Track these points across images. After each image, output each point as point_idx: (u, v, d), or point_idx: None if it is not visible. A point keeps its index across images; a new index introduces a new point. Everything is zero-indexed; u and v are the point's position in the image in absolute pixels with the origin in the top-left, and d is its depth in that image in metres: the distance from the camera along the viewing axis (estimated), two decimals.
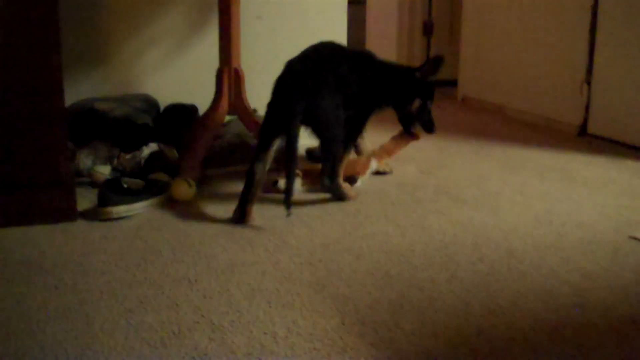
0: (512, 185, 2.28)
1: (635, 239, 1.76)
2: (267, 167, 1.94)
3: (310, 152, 2.61)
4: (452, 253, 1.66)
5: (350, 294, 1.43)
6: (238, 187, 2.20)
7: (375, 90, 2.14)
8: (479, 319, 1.32)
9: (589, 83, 3.10)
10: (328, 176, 2.01)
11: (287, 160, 1.85)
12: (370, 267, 1.57)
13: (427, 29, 5.08)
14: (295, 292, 1.43)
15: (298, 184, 2.11)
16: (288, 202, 1.82)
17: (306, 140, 2.64)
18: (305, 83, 1.95)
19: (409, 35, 5.18)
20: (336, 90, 1.99)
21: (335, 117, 1.99)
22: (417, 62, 5.13)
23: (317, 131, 1.99)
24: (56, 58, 1.79)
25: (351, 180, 2.20)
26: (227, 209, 1.98)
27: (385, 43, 5.52)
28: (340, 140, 2.02)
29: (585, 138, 3.10)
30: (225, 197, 2.11)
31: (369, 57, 2.21)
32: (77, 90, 2.43)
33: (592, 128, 3.11)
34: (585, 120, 3.14)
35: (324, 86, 1.97)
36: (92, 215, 1.91)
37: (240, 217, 1.88)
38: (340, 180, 2.06)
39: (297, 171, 2.05)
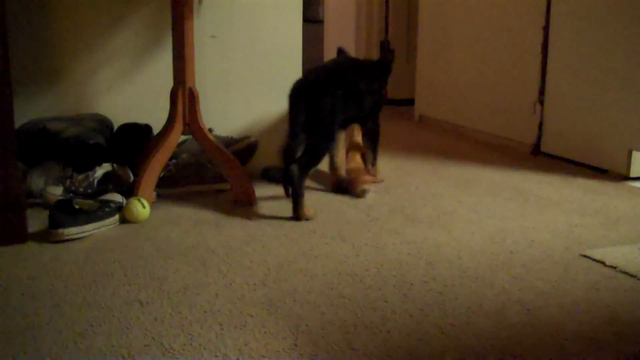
0: (467, 204, 2.30)
1: (586, 257, 1.79)
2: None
3: (266, 170, 2.61)
4: (405, 272, 1.66)
5: (304, 314, 1.42)
6: (192, 207, 2.19)
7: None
8: (432, 339, 1.32)
9: (541, 102, 3.16)
10: (300, 167, 2.11)
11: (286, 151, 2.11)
12: (324, 287, 1.57)
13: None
14: (248, 314, 1.42)
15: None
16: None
17: (264, 159, 2.65)
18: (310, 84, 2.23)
19: (366, 54, 5.22)
20: (342, 96, 2.23)
21: (329, 121, 2.21)
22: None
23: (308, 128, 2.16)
24: (5, 77, 1.76)
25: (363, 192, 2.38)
26: (180, 230, 1.96)
27: None
28: (325, 143, 2.22)
29: (538, 157, 3.14)
30: (179, 218, 2.09)
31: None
32: (29, 110, 2.40)
33: (545, 147, 3.16)
34: (539, 139, 3.19)
35: (327, 89, 2.21)
36: (43, 237, 1.88)
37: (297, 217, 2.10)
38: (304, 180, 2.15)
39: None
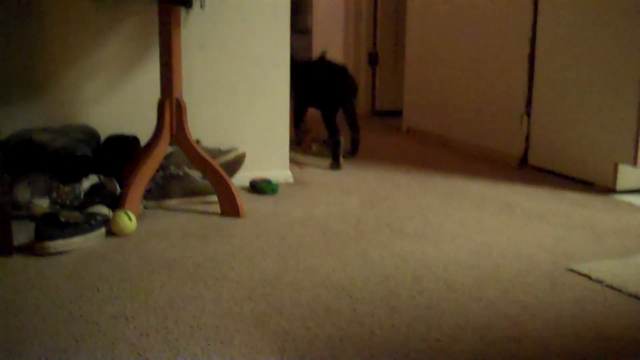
0: (453, 217, 2.30)
1: (572, 271, 1.79)
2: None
3: (254, 182, 2.61)
4: (392, 286, 1.66)
5: (290, 329, 1.42)
6: (179, 220, 2.19)
7: None
8: (418, 354, 1.32)
9: (528, 115, 3.17)
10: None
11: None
12: (311, 301, 1.57)
13: (372, 59, 5.14)
14: (235, 329, 1.42)
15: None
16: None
17: (250, 172, 2.65)
18: None
19: (355, 65, 5.23)
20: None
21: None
22: (363, 92, 5.18)
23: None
24: None
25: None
26: (167, 243, 1.96)
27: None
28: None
29: (525, 169, 3.16)
30: (166, 231, 2.08)
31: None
32: (15, 121, 2.39)
33: (532, 159, 3.17)
34: (526, 151, 3.21)
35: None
36: (29, 250, 1.87)
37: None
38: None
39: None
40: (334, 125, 3.20)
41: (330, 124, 3.20)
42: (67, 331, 1.39)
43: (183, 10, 2.49)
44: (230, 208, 2.26)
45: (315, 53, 5.93)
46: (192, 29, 2.58)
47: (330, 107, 3.25)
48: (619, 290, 1.65)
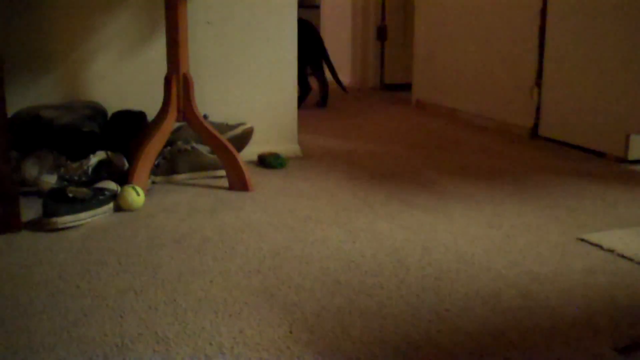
0: (463, 188, 2.29)
1: (583, 240, 1.78)
2: None
3: (262, 157, 2.60)
4: (402, 258, 1.65)
5: (299, 301, 1.41)
6: (187, 195, 2.19)
7: None
8: (427, 324, 1.31)
9: (539, 86, 3.14)
10: None
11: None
12: (320, 273, 1.56)
13: (381, 34, 5.10)
14: (243, 301, 1.41)
15: None
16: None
17: (259, 147, 2.64)
18: None
19: (363, 39, 5.20)
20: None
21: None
22: (372, 66, 5.16)
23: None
24: None
25: None
26: (176, 218, 1.95)
27: (340, 47, 5.54)
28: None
29: (536, 140, 3.13)
30: (174, 205, 2.08)
31: None
32: (22, 98, 2.38)
33: (543, 130, 3.15)
34: (537, 122, 3.18)
35: None
36: (37, 225, 1.87)
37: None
38: None
39: None
40: (304, 79, 4.09)
41: (300, 77, 3.78)
42: (76, 305, 1.39)
43: None
44: (238, 182, 2.25)
45: (324, 28, 5.90)
46: (198, 3, 2.56)
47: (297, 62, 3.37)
48: (630, 259, 1.64)
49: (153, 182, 2.28)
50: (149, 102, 2.43)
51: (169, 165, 2.33)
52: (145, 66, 2.53)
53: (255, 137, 2.61)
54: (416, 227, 1.89)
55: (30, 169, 2.17)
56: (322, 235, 1.82)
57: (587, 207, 2.08)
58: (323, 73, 4.28)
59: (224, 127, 2.48)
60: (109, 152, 2.25)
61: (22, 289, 1.48)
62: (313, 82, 4.29)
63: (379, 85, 5.20)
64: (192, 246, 1.73)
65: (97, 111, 2.39)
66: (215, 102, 2.64)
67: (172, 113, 2.21)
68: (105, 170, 2.21)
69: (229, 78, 2.65)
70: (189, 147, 2.36)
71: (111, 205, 2.00)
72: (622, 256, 1.66)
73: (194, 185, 2.32)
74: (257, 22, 2.64)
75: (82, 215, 1.89)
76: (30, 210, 1.98)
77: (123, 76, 2.52)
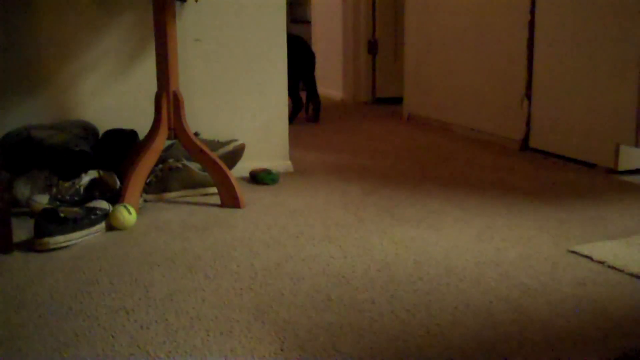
0: (454, 202, 2.29)
1: (573, 252, 1.78)
2: None
3: (253, 173, 2.61)
4: (393, 273, 1.66)
5: (290, 318, 1.42)
6: (179, 212, 2.19)
7: None
8: (418, 340, 1.32)
9: (529, 98, 3.16)
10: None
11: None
12: (311, 290, 1.56)
13: (372, 48, 5.12)
14: (235, 319, 1.42)
15: None
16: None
17: (250, 163, 2.65)
18: None
19: (354, 53, 5.22)
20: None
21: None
22: (363, 80, 5.17)
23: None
24: None
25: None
26: (168, 236, 1.96)
27: (332, 61, 5.56)
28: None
29: (527, 152, 3.14)
30: (166, 224, 2.08)
31: None
32: (13, 118, 2.39)
33: (533, 142, 3.16)
34: (527, 134, 3.19)
35: None
36: (29, 246, 1.87)
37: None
38: None
39: None
40: (297, 94, 4.13)
41: (293, 92, 3.99)
42: (68, 326, 1.39)
43: (178, 3, 2.49)
44: (230, 199, 2.26)
45: (315, 43, 5.92)
46: (187, 21, 2.57)
47: (290, 78, 3.33)
48: (621, 271, 1.65)
49: (145, 201, 2.28)
50: (140, 120, 2.43)
51: (161, 184, 2.34)
52: (136, 84, 2.54)
53: (246, 154, 2.62)
54: (407, 241, 1.90)
55: (22, 190, 2.17)
56: (314, 252, 1.82)
57: (577, 219, 2.09)
58: (315, 88, 4.31)
59: (216, 144, 2.49)
60: (101, 171, 2.25)
61: (14, 309, 1.47)
62: (305, 97, 4.31)
63: (371, 99, 5.22)
64: (184, 264, 1.74)
65: (88, 130, 2.39)
66: (206, 119, 2.64)
67: (163, 131, 2.21)
68: (97, 189, 2.21)
69: (220, 95, 2.66)
70: (180, 165, 2.36)
71: (103, 224, 2.00)
72: (613, 268, 1.67)
73: (185, 203, 2.32)
74: (246, 39, 2.66)
75: (74, 235, 1.89)
76: (22, 230, 1.98)
77: (114, 95, 2.53)
